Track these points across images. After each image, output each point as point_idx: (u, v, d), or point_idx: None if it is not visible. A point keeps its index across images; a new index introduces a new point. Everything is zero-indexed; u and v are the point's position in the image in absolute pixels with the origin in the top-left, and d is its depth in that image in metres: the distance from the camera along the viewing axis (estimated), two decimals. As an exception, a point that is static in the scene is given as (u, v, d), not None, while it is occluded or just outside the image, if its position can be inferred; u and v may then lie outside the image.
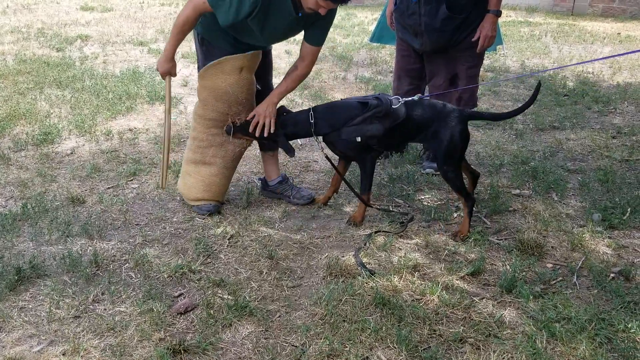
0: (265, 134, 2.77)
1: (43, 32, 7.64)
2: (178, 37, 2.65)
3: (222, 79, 2.73)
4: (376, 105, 2.70)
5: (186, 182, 2.95)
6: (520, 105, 2.98)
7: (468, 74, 3.33)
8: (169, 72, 2.78)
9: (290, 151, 2.81)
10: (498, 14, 3.15)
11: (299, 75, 2.78)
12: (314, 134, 2.77)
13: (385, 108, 2.68)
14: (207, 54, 2.78)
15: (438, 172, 3.50)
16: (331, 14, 2.60)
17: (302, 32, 2.72)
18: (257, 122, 2.76)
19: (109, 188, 3.25)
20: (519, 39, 8.12)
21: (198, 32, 2.79)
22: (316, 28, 2.67)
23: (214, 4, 2.49)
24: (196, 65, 6.33)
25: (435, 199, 3.20)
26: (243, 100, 2.81)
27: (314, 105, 2.92)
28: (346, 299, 2.24)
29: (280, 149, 3.06)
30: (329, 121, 2.76)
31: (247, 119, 2.80)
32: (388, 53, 6.89)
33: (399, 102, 2.71)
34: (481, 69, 3.50)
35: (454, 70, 3.35)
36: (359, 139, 2.71)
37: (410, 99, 2.75)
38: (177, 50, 2.75)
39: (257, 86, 2.90)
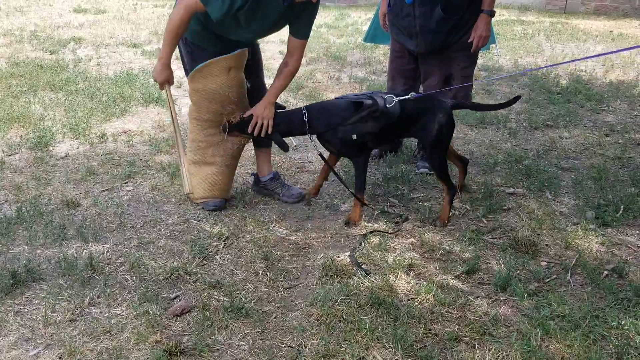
0: (263, 134, 2.82)
1: (36, 34, 7.62)
2: (173, 42, 2.64)
3: (212, 81, 2.75)
4: (371, 105, 2.75)
5: (192, 183, 3.00)
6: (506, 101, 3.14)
7: (463, 74, 3.35)
8: (167, 80, 2.78)
9: (284, 147, 2.86)
10: (492, 13, 3.16)
11: (290, 71, 2.82)
12: (308, 132, 2.82)
13: (380, 108, 2.74)
14: (193, 56, 2.80)
15: (433, 172, 3.51)
16: (315, 6, 2.66)
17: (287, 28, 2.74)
18: (256, 123, 2.79)
19: (103, 191, 3.25)
20: (512, 37, 8.15)
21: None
22: (300, 21, 2.70)
23: (206, 0, 2.49)
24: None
25: (430, 198, 3.20)
26: (235, 99, 2.84)
27: (306, 104, 2.96)
28: (342, 299, 2.25)
29: (274, 145, 3.10)
30: (323, 120, 2.81)
31: (245, 117, 2.83)
32: (382, 53, 6.90)
33: (394, 100, 2.75)
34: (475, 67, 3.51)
35: (449, 71, 3.36)
36: (354, 137, 2.77)
37: (404, 97, 2.79)
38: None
39: (248, 84, 2.92)
